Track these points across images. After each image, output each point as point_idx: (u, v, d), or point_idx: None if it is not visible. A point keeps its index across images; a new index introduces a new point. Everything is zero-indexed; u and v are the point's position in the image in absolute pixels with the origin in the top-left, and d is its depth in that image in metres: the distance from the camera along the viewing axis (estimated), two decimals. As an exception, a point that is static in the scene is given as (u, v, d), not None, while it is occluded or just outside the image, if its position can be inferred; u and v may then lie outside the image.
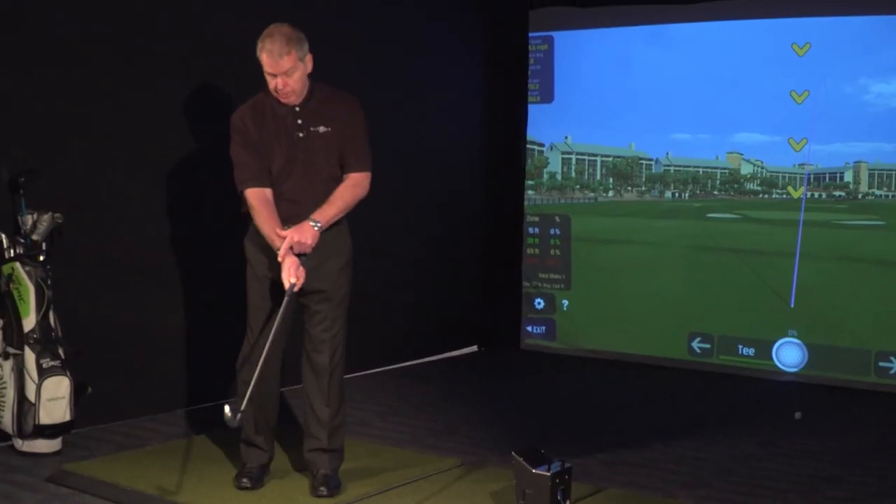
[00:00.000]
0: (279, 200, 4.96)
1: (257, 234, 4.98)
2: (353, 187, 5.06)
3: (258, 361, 4.80)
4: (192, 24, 6.73)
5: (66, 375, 5.67)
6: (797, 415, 6.65)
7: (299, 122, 4.97)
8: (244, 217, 5.07)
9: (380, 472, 5.43)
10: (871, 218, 7.75)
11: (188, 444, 5.95)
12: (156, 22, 6.55)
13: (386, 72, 8.09)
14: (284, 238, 4.81)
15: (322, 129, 4.98)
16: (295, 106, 4.97)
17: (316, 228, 4.88)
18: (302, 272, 4.81)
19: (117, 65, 6.35)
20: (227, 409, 4.61)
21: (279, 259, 4.80)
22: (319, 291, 5.02)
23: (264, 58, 4.84)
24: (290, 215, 4.95)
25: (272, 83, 4.87)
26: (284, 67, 4.82)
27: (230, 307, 6.92)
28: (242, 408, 4.70)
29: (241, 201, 5.02)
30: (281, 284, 4.85)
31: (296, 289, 4.81)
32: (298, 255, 4.82)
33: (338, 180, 5.04)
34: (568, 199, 9.04)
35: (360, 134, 5.11)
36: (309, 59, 4.92)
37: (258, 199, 4.92)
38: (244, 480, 5.12)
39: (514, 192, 9.19)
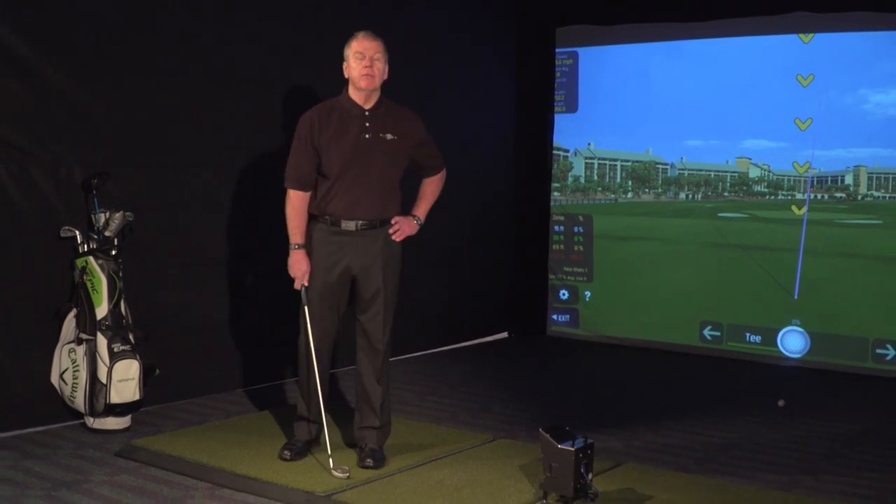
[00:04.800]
0: (336, 195, 4.96)
1: (320, 231, 5.04)
2: (438, 182, 5.34)
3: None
4: (252, 37, 6.73)
5: (135, 358, 5.68)
6: (780, 402, 6.57)
7: (367, 124, 4.96)
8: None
9: (419, 447, 5.41)
10: (869, 217, 7.67)
11: (247, 421, 5.97)
12: (219, 37, 6.55)
13: (427, 84, 8.06)
14: (299, 241, 4.99)
15: (389, 136, 4.99)
16: (365, 110, 4.97)
17: (417, 223, 5.22)
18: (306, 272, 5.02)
19: (182, 76, 6.35)
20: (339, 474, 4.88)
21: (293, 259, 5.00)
22: (377, 287, 5.03)
23: (355, 44, 4.94)
24: (342, 211, 4.98)
25: (361, 63, 4.90)
26: (373, 50, 4.91)
27: (283, 297, 6.96)
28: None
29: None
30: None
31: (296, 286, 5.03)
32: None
33: (393, 183, 5.08)
34: (590, 200, 9.00)
35: (428, 141, 5.21)
36: (387, 67, 5.01)
37: (296, 198, 4.99)
38: (286, 452, 5.13)
39: (541, 194, 9.16)
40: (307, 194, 5.00)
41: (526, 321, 9.25)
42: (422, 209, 5.27)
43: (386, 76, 5.02)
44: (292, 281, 5.02)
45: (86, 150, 5.88)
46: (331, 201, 4.97)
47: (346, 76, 4.99)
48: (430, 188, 5.31)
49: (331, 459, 4.95)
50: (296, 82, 6.88)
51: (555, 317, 9.14)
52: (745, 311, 8.15)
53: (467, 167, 8.55)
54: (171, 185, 6.35)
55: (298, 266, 4.99)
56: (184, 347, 6.38)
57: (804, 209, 7.88)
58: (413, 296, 7.83)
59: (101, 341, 5.63)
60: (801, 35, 7.77)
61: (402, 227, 5.11)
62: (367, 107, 4.99)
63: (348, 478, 4.82)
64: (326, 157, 4.95)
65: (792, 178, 7.94)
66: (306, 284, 5.00)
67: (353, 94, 5.00)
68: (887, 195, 7.56)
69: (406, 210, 5.22)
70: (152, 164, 6.23)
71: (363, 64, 4.89)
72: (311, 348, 5.03)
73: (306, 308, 5.02)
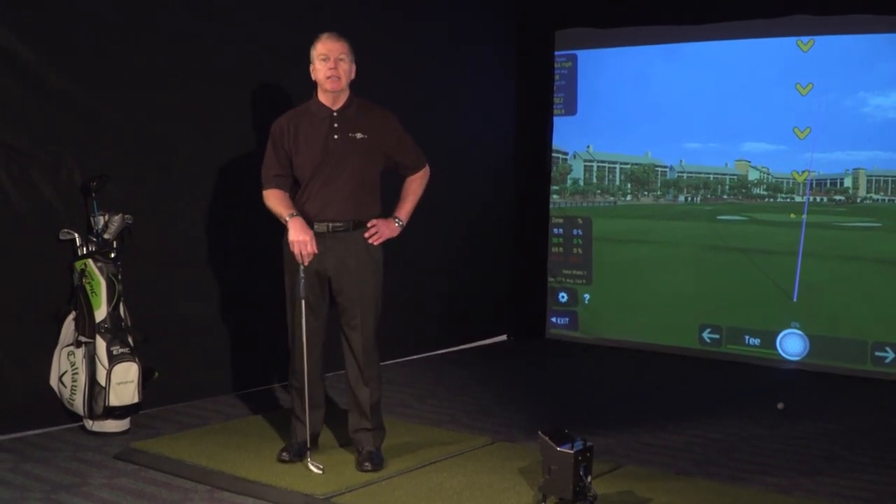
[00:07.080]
0: (309, 198, 4.96)
1: None
2: (420, 180, 5.23)
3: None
4: (252, 37, 6.73)
5: (134, 361, 5.68)
6: (780, 405, 6.57)
7: (336, 125, 4.96)
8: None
9: (418, 449, 5.41)
10: (868, 220, 7.66)
11: (246, 424, 5.96)
12: (219, 37, 6.56)
13: (427, 86, 8.08)
14: (292, 212, 4.90)
15: (359, 135, 4.97)
16: (333, 111, 4.97)
17: (397, 224, 5.10)
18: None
19: (182, 77, 6.36)
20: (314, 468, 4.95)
21: (298, 238, 4.85)
22: (350, 292, 5.00)
23: (319, 46, 4.93)
24: (318, 212, 4.96)
25: (325, 66, 4.90)
26: (337, 51, 4.89)
27: (283, 300, 6.95)
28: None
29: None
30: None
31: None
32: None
33: (370, 184, 5.04)
34: (589, 203, 8.99)
35: (404, 139, 5.15)
36: (354, 66, 5.00)
37: (273, 193, 5.00)
38: (284, 454, 5.14)
39: (540, 197, 9.15)
40: (286, 193, 5.02)
41: (525, 324, 9.23)
42: (404, 210, 5.17)
43: (353, 76, 5.02)
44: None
45: (86, 152, 5.88)
46: (305, 204, 4.97)
47: (314, 79, 5.01)
48: (413, 187, 5.22)
49: (308, 452, 5.04)
50: (296, 83, 6.84)
51: (554, 319, 9.13)
52: (745, 313, 8.14)
53: (466, 169, 8.55)
54: (170, 188, 6.35)
55: (298, 232, 4.84)
56: (183, 350, 6.38)
57: (802, 216, 7.88)
58: (412, 298, 7.87)
59: (101, 344, 5.62)
60: (801, 43, 7.76)
61: (381, 230, 5.02)
62: (336, 108, 4.99)
63: (322, 472, 4.88)
64: (297, 161, 4.97)
65: (791, 181, 7.94)
66: (314, 253, 4.87)
67: (322, 96, 5.01)
68: (886, 198, 7.55)
69: (389, 212, 5.17)
70: (152, 165, 6.23)
71: (328, 66, 4.90)
72: (303, 346, 5.00)
73: (301, 303, 4.93)
